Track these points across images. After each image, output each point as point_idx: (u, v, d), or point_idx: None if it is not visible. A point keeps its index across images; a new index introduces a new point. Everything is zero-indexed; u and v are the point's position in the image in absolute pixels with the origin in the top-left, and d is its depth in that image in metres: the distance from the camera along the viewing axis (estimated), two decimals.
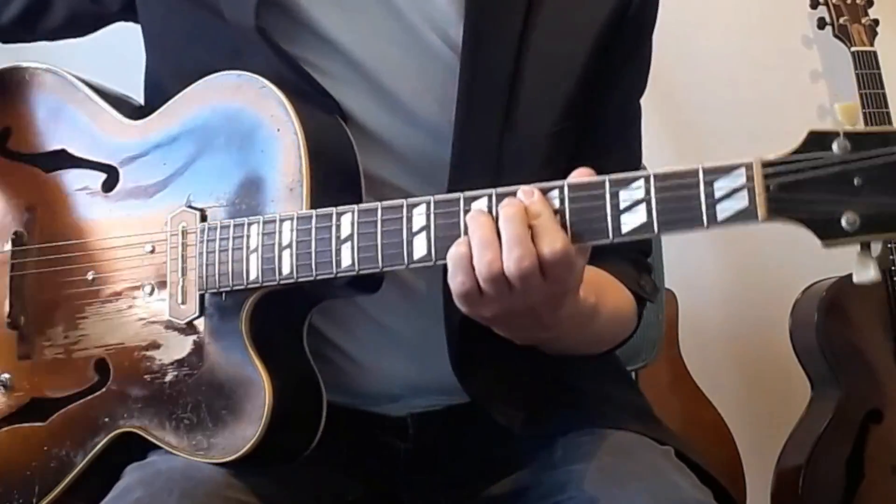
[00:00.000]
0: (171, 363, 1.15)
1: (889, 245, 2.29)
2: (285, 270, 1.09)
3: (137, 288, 1.18)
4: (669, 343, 2.37)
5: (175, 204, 1.17)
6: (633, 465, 1.16)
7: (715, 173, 0.94)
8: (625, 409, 1.27)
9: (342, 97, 1.20)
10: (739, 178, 0.93)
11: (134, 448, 1.17)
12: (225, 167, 1.15)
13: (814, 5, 2.51)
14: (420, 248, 1.04)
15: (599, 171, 1.01)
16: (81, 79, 1.29)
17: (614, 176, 0.98)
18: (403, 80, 1.22)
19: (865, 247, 0.92)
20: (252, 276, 1.11)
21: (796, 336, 2.41)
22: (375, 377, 1.25)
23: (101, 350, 1.20)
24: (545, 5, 1.24)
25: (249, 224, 1.11)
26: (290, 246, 1.09)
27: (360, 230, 1.06)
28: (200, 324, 1.15)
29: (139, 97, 1.33)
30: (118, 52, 1.50)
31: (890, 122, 2.34)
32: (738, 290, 2.63)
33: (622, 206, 0.97)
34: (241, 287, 1.11)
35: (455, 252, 1.01)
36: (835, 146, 0.91)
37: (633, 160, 1.34)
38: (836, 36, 2.48)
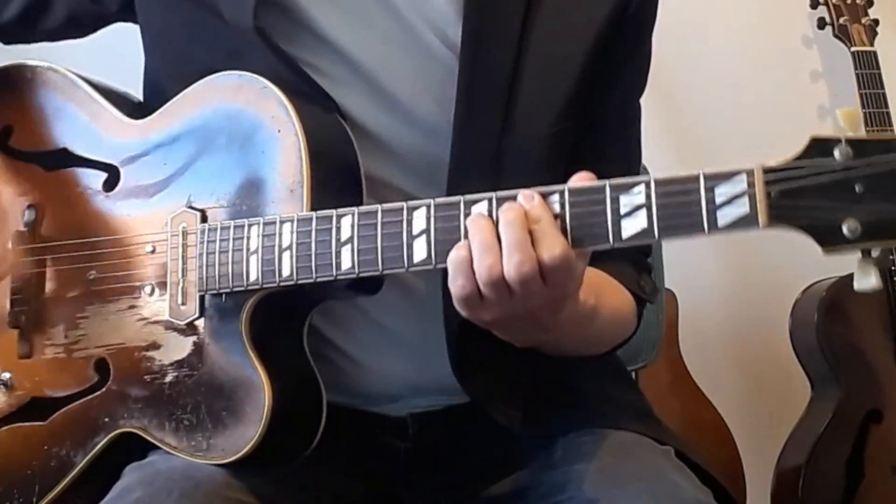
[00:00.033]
0: (171, 364, 1.15)
1: None
2: (285, 272, 1.09)
3: (138, 288, 1.18)
4: (669, 343, 2.37)
5: (175, 204, 1.17)
6: (633, 465, 1.16)
7: (716, 179, 0.93)
8: (625, 409, 1.27)
9: (341, 97, 1.20)
10: (740, 184, 0.92)
11: (134, 448, 1.17)
12: (225, 168, 1.15)
13: (814, 5, 2.51)
14: (420, 251, 1.03)
15: (599, 172, 1.01)
16: (83, 77, 1.28)
17: (615, 180, 0.98)
18: (402, 80, 1.22)
19: (867, 254, 0.91)
20: (252, 278, 1.10)
21: (796, 336, 2.41)
22: (375, 377, 1.25)
23: (102, 350, 1.20)
24: (544, 5, 1.23)
25: (250, 225, 1.11)
26: (290, 248, 1.08)
27: (360, 233, 1.05)
28: (200, 324, 1.14)
29: (139, 96, 1.33)
30: (118, 52, 1.50)
31: (890, 123, 2.34)
32: (738, 290, 2.63)
33: (622, 210, 0.97)
34: (241, 288, 1.11)
35: (455, 255, 1.01)
36: (836, 153, 0.90)
37: (633, 160, 1.33)
38: (836, 36, 2.48)
